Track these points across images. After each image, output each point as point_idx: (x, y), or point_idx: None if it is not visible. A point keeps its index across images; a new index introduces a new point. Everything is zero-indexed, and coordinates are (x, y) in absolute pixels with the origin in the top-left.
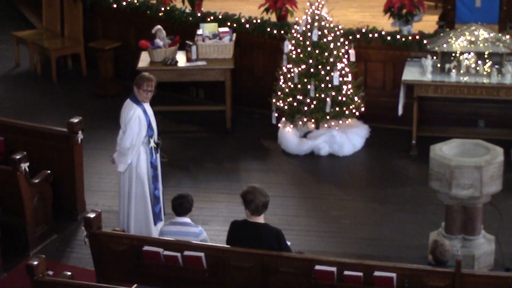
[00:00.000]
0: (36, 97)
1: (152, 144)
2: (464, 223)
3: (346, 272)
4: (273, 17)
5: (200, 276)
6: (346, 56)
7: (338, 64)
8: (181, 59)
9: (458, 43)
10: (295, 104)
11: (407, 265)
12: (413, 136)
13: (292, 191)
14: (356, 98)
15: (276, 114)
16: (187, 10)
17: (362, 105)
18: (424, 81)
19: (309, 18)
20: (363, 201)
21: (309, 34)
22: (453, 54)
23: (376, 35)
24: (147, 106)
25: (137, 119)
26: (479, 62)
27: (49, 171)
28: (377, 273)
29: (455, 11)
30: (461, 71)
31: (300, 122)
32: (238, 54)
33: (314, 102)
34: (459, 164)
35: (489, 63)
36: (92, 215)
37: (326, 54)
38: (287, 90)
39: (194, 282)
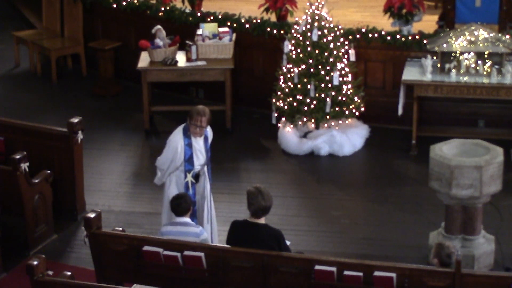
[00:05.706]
0: (36, 97)
1: (189, 179)
2: (464, 223)
3: (346, 272)
4: (273, 17)
5: (200, 276)
6: (346, 56)
7: (338, 64)
8: (181, 59)
9: (458, 43)
10: (295, 104)
11: (407, 265)
12: (413, 136)
13: (292, 191)
14: (356, 98)
15: (276, 114)
16: (187, 10)
17: (362, 105)
18: (424, 81)
19: (309, 18)
20: (363, 201)
21: (309, 34)
22: (453, 54)
23: (376, 35)
24: (196, 140)
25: (174, 150)
26: (479, 62)
27: (49, 171)
28: (377, 273)
29: (455, 11)
30: (461, 71)
31: (300, 122)
32: (238, 54)
33: (314, 102)
34: (459, 164)
35: (489, 63)
36: (92, 215)
37: (326, 54)
38: (287, 90)
39: (194, 282)
